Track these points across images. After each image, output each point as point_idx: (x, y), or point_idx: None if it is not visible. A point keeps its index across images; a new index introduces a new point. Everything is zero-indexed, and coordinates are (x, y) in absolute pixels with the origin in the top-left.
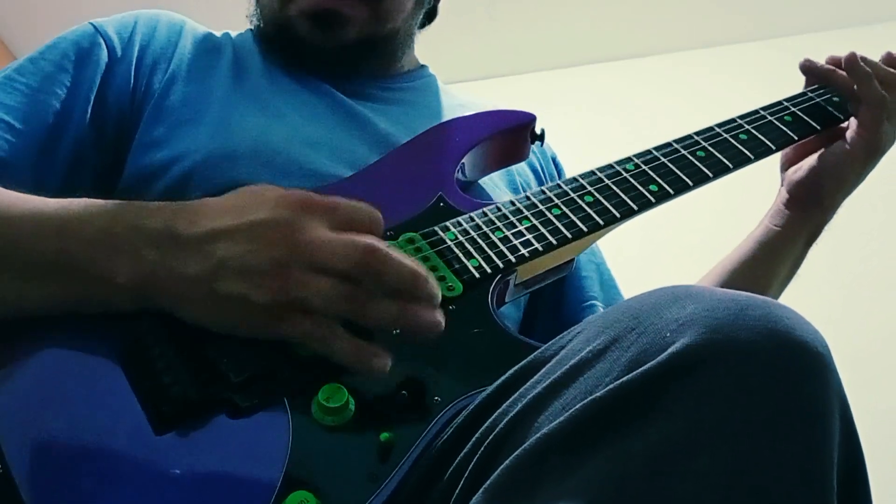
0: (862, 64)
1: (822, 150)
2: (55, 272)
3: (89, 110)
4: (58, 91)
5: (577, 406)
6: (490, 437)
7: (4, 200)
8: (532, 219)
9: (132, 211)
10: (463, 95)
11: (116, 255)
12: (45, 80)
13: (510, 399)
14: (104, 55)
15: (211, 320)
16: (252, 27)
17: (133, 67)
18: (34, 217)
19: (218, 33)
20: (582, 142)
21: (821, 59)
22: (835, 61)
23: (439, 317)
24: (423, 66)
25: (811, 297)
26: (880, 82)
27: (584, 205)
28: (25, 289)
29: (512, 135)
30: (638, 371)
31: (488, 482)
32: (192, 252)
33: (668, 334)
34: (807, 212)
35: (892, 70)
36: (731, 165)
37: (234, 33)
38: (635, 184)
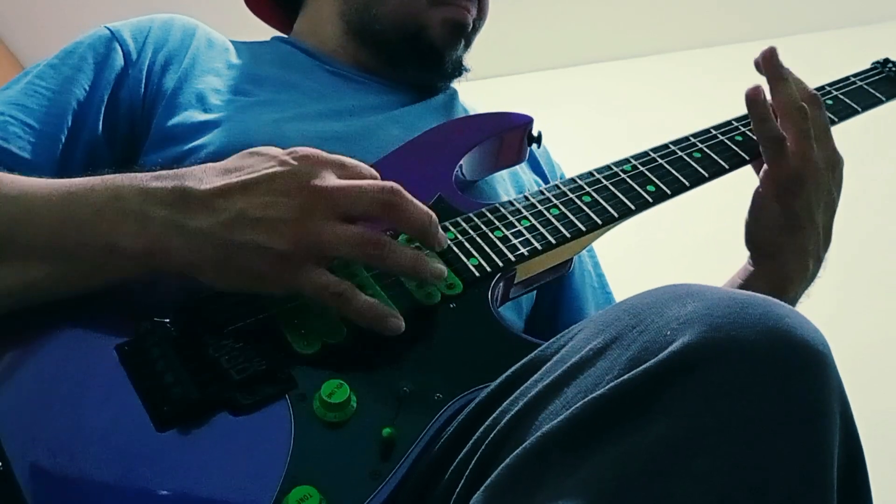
0: (761, 101)
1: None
2: (59, 248)
3: (103, 111)
4: (77, 92)
5: (577, 404)
6: (491, 436)
7: (12, 183)
8: (531, 219)
9: (138, 177)
10: (477, 108)
11: (122, 219)
12: (65, 83)
13: (511, 397)
14: (120, 59)
15: (222, 276)
16: (345, 22)
17: (146, 69)
18: (41, 195)
19: (229, 41)
20: (582, 142)
21: (823, 61)
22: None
23: (444, 266)
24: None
25: (811, 295)
26: (777, 108)
27: (582, 205)
28: (30, 271)
29: (509, 137)
30: (638, 369)
31: (489, 481)
32: (204, 208)
33: (669, 332)
34: (760, 265)
35: (791, 93)
36: (727, 167)
37: (243, 42)
38: (633, 184)
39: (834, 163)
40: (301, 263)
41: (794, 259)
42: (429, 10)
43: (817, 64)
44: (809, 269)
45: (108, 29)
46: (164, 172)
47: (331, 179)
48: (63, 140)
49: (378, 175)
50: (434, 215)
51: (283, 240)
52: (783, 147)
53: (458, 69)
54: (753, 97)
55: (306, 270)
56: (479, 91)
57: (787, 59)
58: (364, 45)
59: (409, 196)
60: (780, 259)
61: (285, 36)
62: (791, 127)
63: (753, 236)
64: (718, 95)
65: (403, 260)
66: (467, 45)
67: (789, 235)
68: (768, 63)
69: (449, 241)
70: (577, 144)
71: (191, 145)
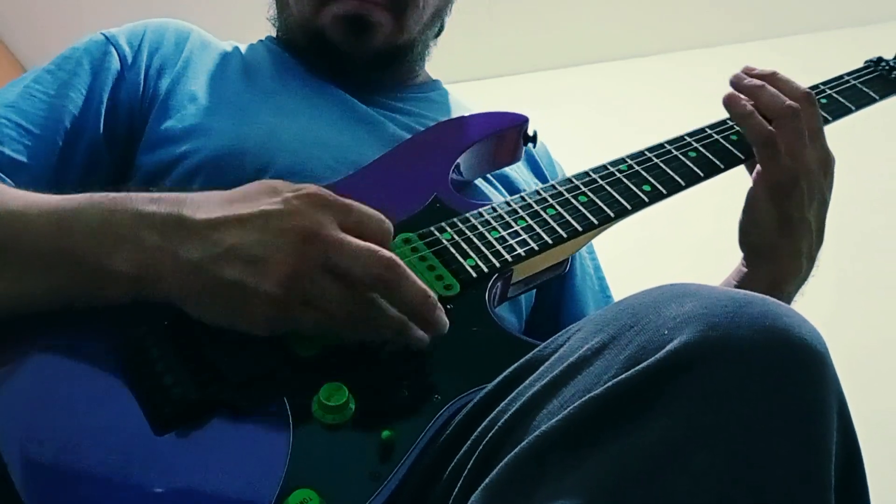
0: (742, 104)
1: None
2: (56, 263)
3: (102, 115)
4: (73, 96)
5: (575, 404)
6: (489, 436)
7: (6, 196)
8: (528, 219)
9: (135, 199)
10: (474, 106)
11: (116, 241)
12: (62, 87)
13: (509, 397)
14: (116, 64)
15: (209, 311)
16: (274, 34)
17: (142, 73)
18: (36, 210)
19: (223, 44)
20: (581, 142)
21: (823, 61)
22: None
23: (428, 338)
24: (435, 80)
25: (809, 295)
26: (766, 113)
27: (578, 205)
28: (26, 282)
29: (505, 136)
30: (636, 369)
31: (487, 480)
32: (198, 238)
33: (667, 332)
34: (753, 265)
35: (775, 96)
36: (721, 166)
37: (239, 45)
38: (629, 184)
39: (826, 162)
40: (285, 306)
41: (787, 259)
42: (321, 11)
43: (817, 64)
44: (803, 268)
45: (104, 34)
46: (162, 196)
47: (331, 228)
48: (60, 144)
49: (388, 230)
50: (433, 295)
51: (271, 282)
52: (774, 145)
53: (393, 57)
54: (730, 101)
55: (290, 312)
56: (479, 91)
57: (786, 60)
58: (300, 55)
59: (407, 272)
60: (774, 259)
61: (275, 36)
62: (782, 127)
63: (747, 237)
64: (718, 95)
65: (388, 329)
66: (401, 25)
67: (782, 236)
68: (739, 82)
69: (446, 242)
70: (576, 144)
71: (183, 149)
